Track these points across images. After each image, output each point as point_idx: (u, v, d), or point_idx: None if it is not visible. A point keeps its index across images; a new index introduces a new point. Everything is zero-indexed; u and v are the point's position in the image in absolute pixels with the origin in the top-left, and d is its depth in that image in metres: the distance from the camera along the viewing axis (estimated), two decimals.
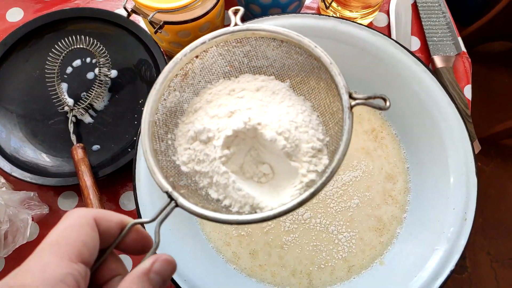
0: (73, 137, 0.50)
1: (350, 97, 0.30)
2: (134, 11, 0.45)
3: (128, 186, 0.51)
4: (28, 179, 0.48)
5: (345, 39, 0.48)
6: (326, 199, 0.47)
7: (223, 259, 0.45)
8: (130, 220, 0.28)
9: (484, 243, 1.22)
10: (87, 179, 0.45)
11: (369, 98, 0.29)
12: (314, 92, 0.35)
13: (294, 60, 0.35)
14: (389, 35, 0.59)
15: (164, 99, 0.34)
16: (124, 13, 0.47)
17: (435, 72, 0.56)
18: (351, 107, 0.30)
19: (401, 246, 0.45)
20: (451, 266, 0.39)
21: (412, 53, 0.46)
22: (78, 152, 0.48)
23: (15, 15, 0.60)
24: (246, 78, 0.36)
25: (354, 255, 0.45)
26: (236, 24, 0.34)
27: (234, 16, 0.34)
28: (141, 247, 0.28)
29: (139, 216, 0.41)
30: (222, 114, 0.33)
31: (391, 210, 0.47)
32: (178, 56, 0.33)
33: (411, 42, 0.58)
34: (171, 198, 0.29)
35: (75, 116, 0.52)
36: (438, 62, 0.56)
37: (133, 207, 0.51)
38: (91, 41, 0.51)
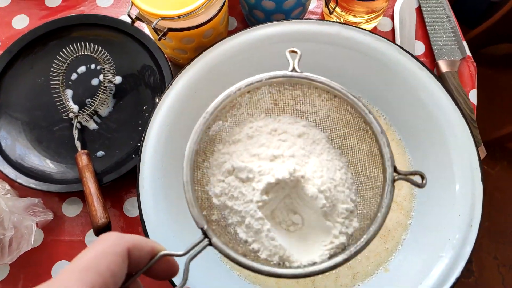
0: (78, 144, 0.50)
1: (395, 171, 0.30)
2: (138, 18, 0.46)
3: (132, 192, 0.51)
4: (33, 186, 0.48)
5: (349, 44, 0.47)
6: None
7: (227, 266, 0.45)
8: (161, 249, 0.28)
9: (491, 247, 1.21)
10: (91, 186, 0.45)
11: (411, 174, 0.30)
12: (354, 151, 0.35)
13: (341, 115, 0.35)
14: (393, 40, 0.59)
15: (208, 128, 0.34)
16: (129, 20, 0.48)
17: (440, 76, 0.55)
18: (394, 180, 0.30)
19: (406, 253, 0.44)
20: (456, 273, 0.39)
21: (416, 58, 0.46)
22: (83, 159, 0.48)
23: (21, 22, 0.60)
24: (288, 119, 0.36)
25: (358, 262, 0.45)
26: (293, 69, 0.34)
27: (292, 60, 0.34)
28: (167, 276, 0.28)
29: (143, 223, 0.41)
30: (264, 155, 0.33)
31: (396, 216, 0.46)
32: (232, 89, 0.33)
33: (416, 47, 0.58)
34: (205, 235, 0.29)
35: (79, 122, 0.53)
36: (443, 66, 0.55)
37: (136, 213, 0.51)
38: (96, 48, 0.52)
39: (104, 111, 0.54)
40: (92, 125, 0.53)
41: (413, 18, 0.59)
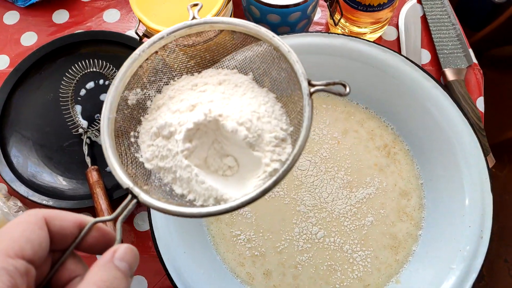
0: (88, 159, 0.51)
1: (309, 84, 0.30)
2: (145, 35, 0.46)
3: (142, 206, 0.52)
4: (45, 202, 0.49)
5: (355, 56, 0.48)
6: (340, 217, 0.46)
7: (237, 280, 0.45)
8: (90, 220, 0.27)
9: (501, 250, 1.20)
10: (102, 202, 0.46)
11: (329, 84, 0.29)
12: (277, 83, 0.34)
13: (254, 51, 0.35)
14: (399, 49, 0.59)
15: (125, 96, 0.33)
16: (136, 36, 0.48)
17: (447, 85, 0.55)
18: (311, 93, 0.29)
19: (417, 265, 0.44)
20: (468, 286, 0.39)
21: (422, 68, 0.46)
22: (93, 175, 0.48)
23: (29, 39, 0.61)
24: (209, 72, 0.36)
25: (369, 274, 0.45)
26: (194, 18, 0.33)
27: (192, 10, 0.34)
28: (104, 246, 0.27)
29: (153, 237, 0.42)
30: (184, 108, 0.33)
31: (406, 227, 0.46)
32: (136, 52, 0.33)
33: (422, 55, 0.58)
34: (132, 194, 0.29)
35: (89, 137, 0.53)
36: (450, 75, 0.56)
37: (147, 227, 0.51)
38: (104, 64, 0.52)
39: None
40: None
41: (418, 26, 0.59)
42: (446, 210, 0.44)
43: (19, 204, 0.49)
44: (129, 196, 0.29)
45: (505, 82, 1.42)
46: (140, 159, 0.33)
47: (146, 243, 0.50)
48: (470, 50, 0.58)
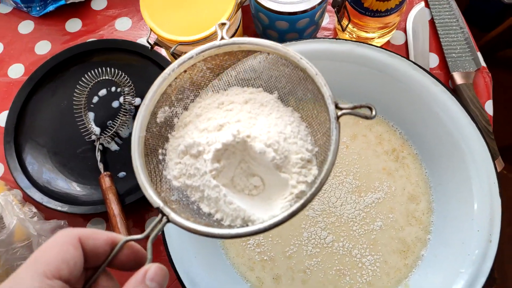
0: (100, 166, 0.52)
1: (336, 107, 0.30)
2: (156, 43, 0.47)
3: (153, 211, 0.53)
4: (59, 208, 0.50)
5: (363, 61, 0.48)
6: (348, 222, 0.47)
7: (247, 285, 0.45)
8: (122, 238, 0.28)
9: None
10: (114, 208, 0.47)
11: (355, 107, 0.29)
12: (302, 103, 0.35)
13: (281, 72, 0.35)
14: (407, 53, 0.59)
15: (155, 114, 0.34)
16: (147, 44, 0.49)
17: (455, 89, 0.55)
18: (338, 117, 0.30)
19: (426, 269, 0.44)
20: None
21: (430, 73, 0.46)
22: (106, 181, 0.49)
23: (43, 48, 0.62)
24: (235, 90, 0.37)
25: (378, 279, 0.45)
26: (222, 38, 0.34)
27: (221, 30, 0.35)
28: (135, 263, 0.29)
29: (165, 244, 0.42)
30: (212, 127, 0.34)
31: (415, 231, 0.47)
32: (166, 71, 0.34)
33: (430, 59, 0.58)
34: (162, 213, 0.30)
35: (102, 144, 0.54)
36: (458, 78, 0.56)
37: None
38: (116, 72, 0.53)
39: (125, 132, 0.56)
40: (113, 147, 0.55)
41: (426, 30, 0.60)
42: (454, 214, 0.44)
43: (34, 210, 0.50)
44: (159, 215, 0.30)
45: None
46: (168, 177, 0.34)
47: (157, 248, 0.51)
48: (479, 53, 0.58)
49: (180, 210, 0.32)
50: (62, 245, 0.26)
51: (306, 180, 0.31)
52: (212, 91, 0.37)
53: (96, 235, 0.28)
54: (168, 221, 0.29)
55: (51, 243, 0.26)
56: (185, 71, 0.35)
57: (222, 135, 0.32)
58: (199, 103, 0.36)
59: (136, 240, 0.29)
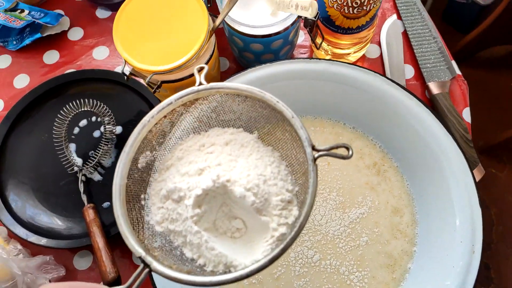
0: (84, 197, 0.52)
1: (314, 149, 0.31)
2: (132, 74, 0.47)
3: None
4: (43, 243, 0.49)
5: (338, 79, 0.49)
6: (334, 239, 0.47)
7: None
8: None
9: (507, 251, 1.19)
10: (99, 241, 0.46)
11: (332, 148, 0.30)
12: (281, 143, 0.36)
13: (259, 113, 0.36)
14: (382, 66, 0.60)
15: (136, 160, 0.35)
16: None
17: (432, 99, 0.56)
18: (315, 159, 0.31)
19: (414, 282, 0.45)
20: None
21: (404, 87, 0.47)
22: (89, 213, 0.49)
23: (22, 82, 0.62)
24: (216, 132, 0.37)
25: None
26: (200, 83, 0.35)
27: (199, 75, 0.35)
28: None
29: (151, 276, 0.42)
30: (193, 171, 0.34)
31: (400, 244, 0.47)
32: (146, 118, 0.34)
33: (405, 71, 0.59)
34: (145, 263, 0.30)
35: (84, 175, 0.54)
36: (434, 88, 0.56)
37: None
38: (95, 103, 0.53)
39: (107, 162, 0.55)
40: (96, 177, 0.55)
41: (400, 42, 0.60)
42: (438, 225, 0.45)
43: (19, 247, 0.50)
44: (141, 265, 0.30)
45: (498, 82, 1.43)
46: (151, 222, 0.34)
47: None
48: (453, 62, 0.59)
49: (163, 257, 0.32)
50: None
51: (287, 221, 0.32)
52: (194, 132, 0.37)
53: None
54: (150, 270, 0.30)
55: None
56: (164, 116, 0.36)
57: (203, 180, 0.33)
58: (181, 145, 0.37)
59: None
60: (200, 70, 0.36)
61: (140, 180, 0.35)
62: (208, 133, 0.37)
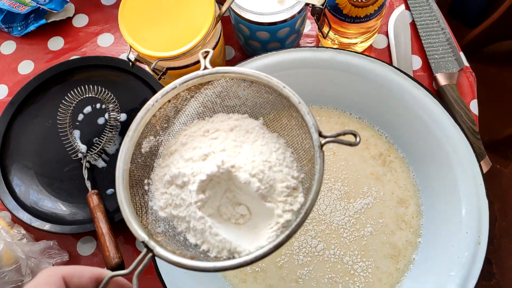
0: (88, 184, 0.52)
1: (320, 135, 0.30)
2: (137, 60, 0.47)
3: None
4: (47, 228, 0.49)
5: (345, 68, 0.48)
6: (338, 229, 0.47)
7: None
8: (107, 273, 0.28)
9: (510, 247, 1.19)
10: (103, 226, 0.46)
11: (339, 135, 0.30)
12: (287, 129, 0.35)
13: (265, 99, 0.35)
14: (389, 56, 0.59)
15: (139, 145, 0.34)
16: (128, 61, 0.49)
17: (439, 90, 0.56)
18: (322, 145, 0.30)
19: (418, 272, 0.44)
20: None
21: (412, 77, 0.46)
22: (93, 199, 0.49)
23: (27, 68, 0.62)
24: (220, 117, 0.37)
25: (371, 285, 0.45)
26: (205, 68, 0.34)
27: (204, 60, 0.35)
28: None
29: (154, 260, 0.42)
30: (197, 157, 0.34)
31: (405, 235, 0.47)
32: (150, 102, 0.34)
33: (412, 61, 0.58)
34: (148, 248, 0.30)
35: (88, 162, 0.54)
36: (441, 79, 0.56)
37: None
38: (99, 89, 0.53)
39: (111, 149, 0.55)
40: (100, 164, 0.55)
41: (407, 33, 0.60)
42: (443, 216, 0.44)
43: (23, 231, 0.50)
44: (145, 250, 0.30)
45: (504, 77, 1.41)
46: (154, 207, 0.34)
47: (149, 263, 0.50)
48: (461, 53, 0.58)
49: (166, 242, 0.32)
50: (47, 286, 0.26)
51: (292, 208, 0.32)
52: (198, 118, 0.37)
53: (81, 273, 0.28)
54: (154, 255, 0.30)
55: (36, 284, 0.26)
56: (169, 101, 0.35)
57: (207, 165, 0.32)
58: (185, 131, 0.36)
59: (122, 275, 0.29)
60: (206, 54, 0.35)
61: (143, 165, 0.35)
62: (213, 118, 0.37)
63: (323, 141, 0.30)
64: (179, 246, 0.32)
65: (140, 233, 0.30)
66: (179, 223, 0.33)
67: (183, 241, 0.33)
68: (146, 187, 0.35)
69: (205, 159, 0.33)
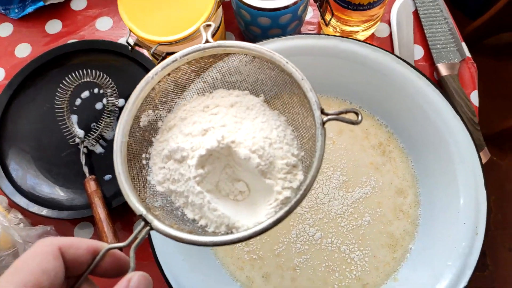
0: (85, 169, 0.51)
1: (322, 113, 0.30)
2: (136, 44, 0.46)
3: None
4: (44, 213, 0.49)
5: (347, 56, 0.48)
6: (336, 218, 0.47)
7: (237, 284, 0.45)
8: (104, 246, 0.28)
9: (505, 239, 1.20)
10: (100, 212, 0.46)
11: (341, 113, 0.29)
12: (288, 107, 0.35)
13: (267, 75, 0.35)
14: (391, 45, 0.59)
15: (138, 118, 0.34)
16: (127, 45, 0.48)
17: (440, 80, 0.55)
18: (323, 123, 0.30)
19: (415, 262, 0.45)
20: (464, 282, 0.39)
21: (414, 66, 0.46)
22: (91, 185, 0.49)
23: (24, 51, 0.61)
24: (220, 93, 0.36)
25: (367, 273, 0.45)
26: (207, 41, 0.34)
27: (205, 32, 0.34)
28: (118, 271, 0.28)
29: (152, 246, 0.42)
30: (196, 132, 0.33)
31: (403, 225, 0.47)
32: (149, 74, 0.33)
33: (414, 51, 0.58)
34: (145, 221, 0.29)
35: (86, 147, 0.54)
36: (443, 70, 0.55)
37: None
38: (97, 74, 0.53)
39: (109, 134, 0.55)
40: (98, 149, 0.54)
41: (410, 22, 0.59)
42: (441, 206, 0.44)
43: (20, 216, 0.49)
44: (142, 223, 0.29)
45: (504, 69, 1.41)
46: (152, 182, 0.33)
47: (144, 250, 0.50)
48: (463, 44, 0.58)
49: (163, 216, 0.31)
50: (42, 256, 0.25)
51: (292, 185, 0.31)
52: (198, 93, 0.36)
53: (78, 244, 0.27)
54: (151, 228, 0.29)
55: (31, 254, 0.26)
56: (168, 74, 0.35)
57: (207, 140, 0.32)
58: (184, 105, 0.36)
59: (119, 248, 0.28)
60: (208, 27, 0.34)
61: (141, 139, 0.34)
62: (213, 94, 0.36)
63: (325, 118, 0.30)
64: (177, 220, 0.32)
65: (137, 206, 0.30)
66: (177, 198, 0.33)
67: (181, 216, 0.33)
68: (144, 162, 0.34)
69: (204, 134, 0.33)
